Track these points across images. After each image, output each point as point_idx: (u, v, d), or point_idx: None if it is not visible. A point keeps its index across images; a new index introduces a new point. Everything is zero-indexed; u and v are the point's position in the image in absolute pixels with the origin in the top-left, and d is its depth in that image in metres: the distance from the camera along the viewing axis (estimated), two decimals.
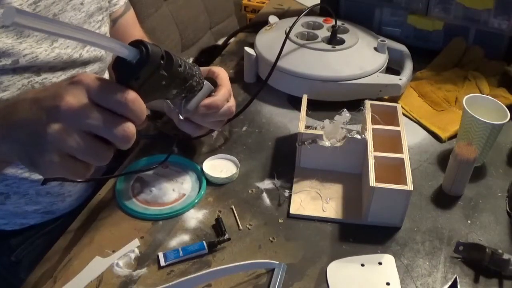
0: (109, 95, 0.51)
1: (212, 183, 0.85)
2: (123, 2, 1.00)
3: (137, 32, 1.05)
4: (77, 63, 0.84)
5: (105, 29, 0.92)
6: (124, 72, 0.52)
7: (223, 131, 0.96)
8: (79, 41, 0.55)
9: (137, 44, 0.52)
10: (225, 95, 0.79)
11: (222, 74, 0.82)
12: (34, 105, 0.53)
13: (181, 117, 0.75)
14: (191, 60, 0.67)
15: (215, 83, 0.80)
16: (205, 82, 0.74)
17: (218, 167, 0.86)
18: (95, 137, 0.52)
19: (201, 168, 0.86)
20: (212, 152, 0.91)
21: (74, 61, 0.83)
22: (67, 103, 0.50)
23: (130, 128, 0.53)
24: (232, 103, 0.82)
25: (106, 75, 0.97)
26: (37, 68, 0.77)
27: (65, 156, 0.52)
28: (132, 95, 0.51)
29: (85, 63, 0.86)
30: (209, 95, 0.76)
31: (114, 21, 0.99)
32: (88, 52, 0.86)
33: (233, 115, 0.84)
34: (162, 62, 0.53)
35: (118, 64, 0.52)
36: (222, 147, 0.93)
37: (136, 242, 0.74)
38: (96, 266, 0.71)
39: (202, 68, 0.80)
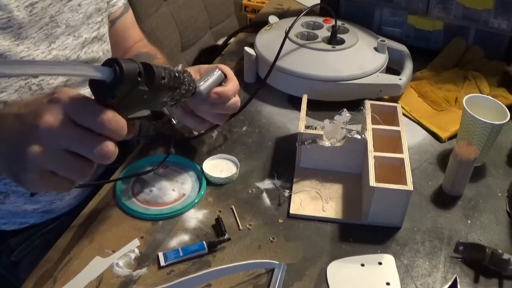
0: (86, 115, 0.51)
1: (212, 183, 0.85)
2: (122, 3, 0.99)
3: (136, 33, 1.05)
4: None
5: (104, 30, 0.91)
6: (101, 91, 0.52)
7: (223, 131, 0.96)
8: (49, 75, 0.56)
9: (110, 63, 0.51)
10: (234, 87, 0.80)
11: (230, 71, 0.82)
12: (16, 121, 0.54)
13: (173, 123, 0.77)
14: (180, 67, 0.67)
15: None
16: (218, 70, 0.76)
17: (218, 167, 0.86)
18: (75, 154, 0.52)
19: (201, 168, 0.86)
20: (212, 152, 0.91)
21: (71, 62, 0.82)
22: (45, 122, 0.51)
23: (108, 146, 0.53)
24: (237, 98, 0.82)
25: None
26: None
27: (47, 173, 0.53)
28: (108, 115, 0.51)
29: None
30: (220, 84, 0.77)
31: (112, 22, 0.98)
32: (85, 53, 0.86)
33: (237, 111, 0.84)
34: (139, 78, 0.52)
35: (94, 83, 0.52)
36: (222, 147, 0.93)
37: (136, 242, 0.74)
38: (96, 266, 0.71)
39: (208, 66, 0.81)
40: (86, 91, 0.88)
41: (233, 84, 0.80)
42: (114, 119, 0.52)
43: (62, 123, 0.51)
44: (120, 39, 0.99)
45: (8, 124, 0.54)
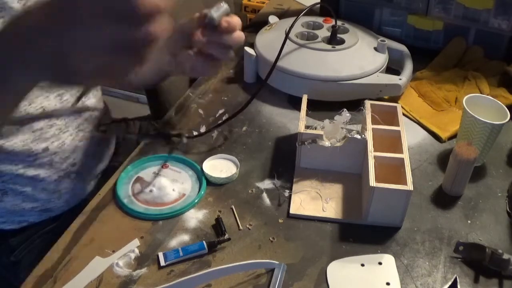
0: None
1: (212, 183, 0.85)
2: None
3: None
4: None
5: None
6: None
7: (223, 131, 0.96)
8: None
9: None
10: (239, 20, 0.85)
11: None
12: None
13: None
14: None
15: None
16: (224, 3, 0.83)
17: (218, 167, 0.86)
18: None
19: (201, 168, 0.86)
20: (212, 152, 0.91)
21: None
22: None
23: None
24: (241, 33, 0.86)
25: None
26: None
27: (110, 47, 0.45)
28: None
29: None
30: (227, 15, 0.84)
31: None
32: None
33: (241, 44, 0.86)
34: None
35: None
36: (222, 147, 0.93)
37: (136, 242, 0.74)
38: (96, 266, 0.71)
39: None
40: None
41: (237, 18, 0.85)
42: None
43: None
44: None
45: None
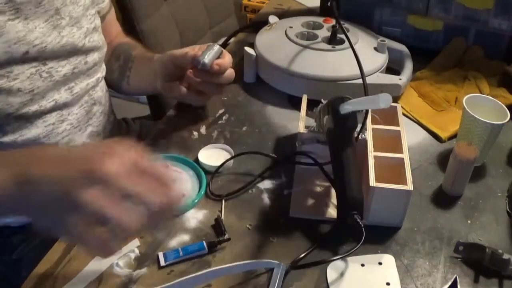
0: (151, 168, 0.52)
1: (208, 171, 0.86)
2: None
3: (117, 26, 1.12)
4: (79, 52, 0.89)
5: (98, 22, 0.96)
6: None
7: (223, 131, 0.96)
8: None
9: None
10: (230, 60, 0.92)
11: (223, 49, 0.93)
12: (62, 163, 0.52)
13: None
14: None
15: None
16: (216, 45, 0.90)
17: (214, 156, 0.88)
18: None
19: (199, 165, 0.86)
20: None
21: (77, 49, 0.88)
22: (107, 167, 0.49)
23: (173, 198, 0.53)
24: (232, 70, 0.92)
25: (103, 67, 1.00)
26: (43, 57, 0.81)
27: (96, 223, 0.49)
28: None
29: (87, 51, 0.91)
30: (218, 57, 0.90)
31: (103, 18, 1.02)
32: (90, 42, 0.90)
33: (231, 82, 0.94)
34: None
35: None
36: None
37: (136, 242, 0.74)
38: (96, 266, 0.71)
39: (201, 46, 0.91)
40: (91, 80, 0.94)
41: (229, 57, 0.92)
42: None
43: (127, 169, 0.50)
44: (107, 32, 1.03)
45: (51, 164, 0.52)
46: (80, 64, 0.89)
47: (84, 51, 0.90)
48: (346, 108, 0.72)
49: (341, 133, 0.75)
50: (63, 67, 0.86)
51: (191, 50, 0.90)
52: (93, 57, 0.92)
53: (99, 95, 0.97)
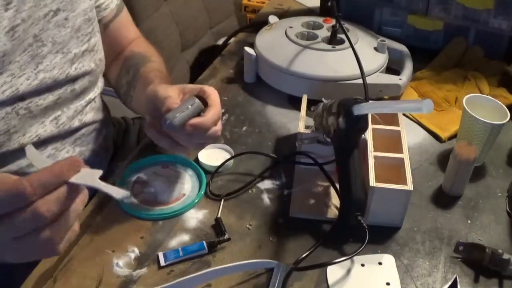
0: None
1: (208, 171, 0.85)
2: (115, 4, 0.95)
3: (131, 32, 1.00)
4: (63, 82, 0.81)
5: (95, 39, 0.87)
6: None
7: (223, 131, 0.96)
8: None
9: None
10: (214, 117, 0.74)
11: (213, 95, 0.76)
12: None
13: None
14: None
15: (205, 103, 0.75)
16: (196, 100, 0.72)
17: (213, 156, 0.88)
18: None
19: (199, 164, 0.86)
20: None
21: (60, 82, 0.80)
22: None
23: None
24: (219, 127, 0.76)
25: (100, 84, 0.94)
26: (17, 98, 0.74)
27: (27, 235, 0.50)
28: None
29: (73, 80, 0.83)
30: (198, 114, 0.73)
31: (105, 26, 0.94)
32: (76, 69, 0.82)
33: (216, 141, 0.81)
34: None
35: None
36: None
37: (98, 172, 0.70)
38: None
39: (193, 86, 0.78)
40: (78, 104, 0.86)
41: (213, 112, 0.74)
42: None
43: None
44: (114, 41, 0.96)
45: None
46: (65, 93, 0.81)
47: (68, 80, 0.81)
48: (360, 109, 0.69)
49: (351, 134, 0.74)
50: (45, 100, 0.78)
51: (179, 92, 0.76)
52: (82, 82, 0.84)
53: (89, 117, 0.90)
